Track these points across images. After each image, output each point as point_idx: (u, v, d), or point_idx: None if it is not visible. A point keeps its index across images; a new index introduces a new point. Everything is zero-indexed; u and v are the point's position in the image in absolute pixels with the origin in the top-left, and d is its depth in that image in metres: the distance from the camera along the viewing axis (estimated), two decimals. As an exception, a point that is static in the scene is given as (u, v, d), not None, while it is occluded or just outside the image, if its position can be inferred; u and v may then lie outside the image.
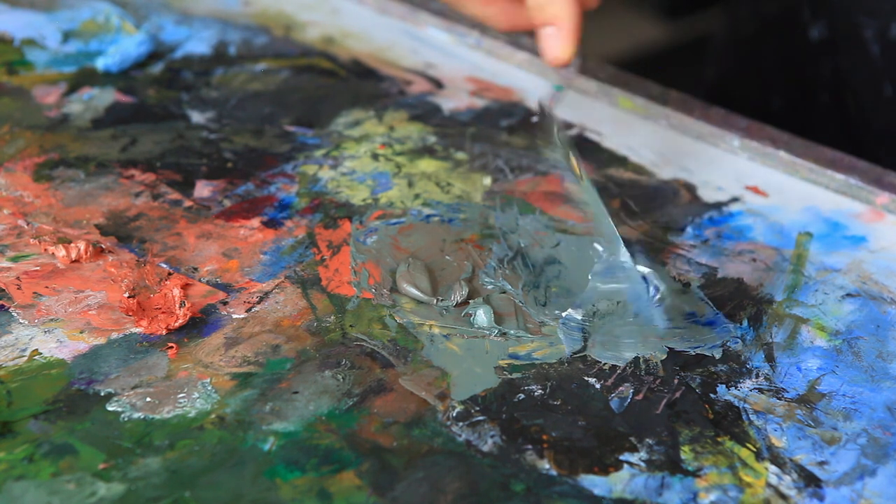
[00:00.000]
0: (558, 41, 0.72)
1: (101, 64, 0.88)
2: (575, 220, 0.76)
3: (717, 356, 0.68)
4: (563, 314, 0.70)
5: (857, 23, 0.93)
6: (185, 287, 0.70)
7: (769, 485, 0.61)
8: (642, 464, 0.62)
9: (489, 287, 0.72)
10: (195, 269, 0.72)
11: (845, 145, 0.84)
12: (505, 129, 0.85)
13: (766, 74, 1.04)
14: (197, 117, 0.84)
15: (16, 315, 0.68)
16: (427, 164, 0.81)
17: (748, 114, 0.85)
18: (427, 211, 0.77)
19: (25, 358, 0.65)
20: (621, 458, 0.62)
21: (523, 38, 0.93)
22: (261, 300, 0.70)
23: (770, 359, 0.68)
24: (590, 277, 0.71)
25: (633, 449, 0.62)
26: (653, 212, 0.78)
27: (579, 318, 0.69)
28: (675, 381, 0.66)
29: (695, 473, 0.61)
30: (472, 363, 0.67)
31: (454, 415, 0.64)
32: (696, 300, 0.71)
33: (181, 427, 0.62)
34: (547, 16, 0.72)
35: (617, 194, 0.79)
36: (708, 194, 0.80)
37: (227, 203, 0.77)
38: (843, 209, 0.79)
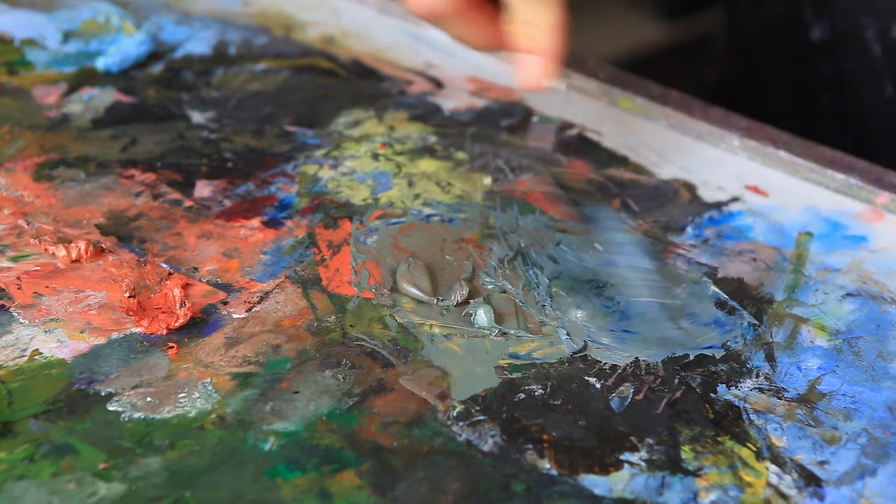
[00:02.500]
0: (538, 70, 0.71)
1: (101, 64, 0.88)
2: (575, 221, 0.76)
3: (718, 356, 0.68)
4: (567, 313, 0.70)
5: (859, 23, 0.93)
6: (185, 287, 0.70)
7: (769, 484, 0.61)
8: (643, 463, 0.62)
9: (489, 287, 0.72)
10: (195, 268, 0.72)
11: (846, 145, 0.84)
12: (505, 129, 0.85)
13: (767, 75, 1.04)
14: (197, 117, 0.84)
15: (16, 315, 0.68)
16: (427, 164, 0.81)
17: (749, 114, 0.85)
18: (427, 211, 0.77)
19: (26, 358, 0.65)
20: (621, 457, 0.62)
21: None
22: (261, 300, 0.70)
23: (770, 358, 0.68)
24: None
25: (634, 449, 0.63)
26: (653, 212, 0.78)
27: (581, 316, 0.69)
28: (676, 381, 0.66)
29: (695, 473, 0.61)
30: (473, 363, 0.67)
31: (454, 414, 0.64)
32: (700, 300, 0.71)
33: (181, 427, 0.62)
34: (533, 45, 0.71)
35: (617, 194, 0.79)
36: (708, 194, 0.80)
37: (228, 203, 0.77)
38: (843, 209, 0.79)
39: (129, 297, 0.69)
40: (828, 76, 0.98)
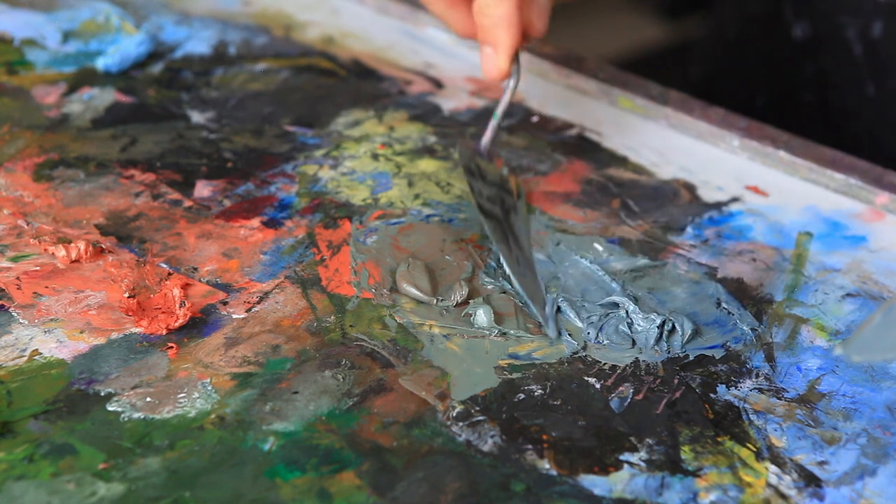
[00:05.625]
0: (495, 61, 0.77)
1: (101, 64, 0.88)
2: (575, 221, 0.77)
3: (717, 356, 0.68)
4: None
5: (839, 23, 0.94)
6: (185, 287, 0.70)
7: (769, 485, 0.61)
8: (642, 464, 0.62)
9: (489, 287, 0.72)
10: (195, 269, 0.72)
11: (828, 144, 0.84)
12: (505, 129, 0.85)
13: (749, 74, 1.05)
14: (197, 117, 0.84)
15: (16, 315, 0.68)
16: (427, 164, 0.81)
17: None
18: (427, 211, 0.77)
19: (25, 358, 0.65)
20: (621, 457, 0.62)
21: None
22: (261, 300, 0.70)
23: (770, 359, 0.68)
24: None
25: (633, 449, 0.62)
26: (653, 212, 0.78)
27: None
28: (675, 381, 0.66)
29: (695, 473, 0.61)
30: (472, 363, 0.67)
31: (454, 415, 0.64)
32: (702, 298, 0.71)
33: (181, 427, 0.62)
34: (489, 37, 0.77)
35: (617, 194, 0.79)
36: (708, 194, 0.80)
37: (227, 203, 0.77)
38: (843, 209, 0.79)
39: (128, 297, 0.69)
40: (809, 75, 0.98)
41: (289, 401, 0.64)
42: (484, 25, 0.77)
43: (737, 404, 0.65)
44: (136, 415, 0.63)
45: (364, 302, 0.70)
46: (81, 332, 0.67)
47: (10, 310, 0.68)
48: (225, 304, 0.70)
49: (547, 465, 0.61)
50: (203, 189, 0.78)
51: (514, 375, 0.66)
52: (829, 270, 0.74)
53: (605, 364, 0.67)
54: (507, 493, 0.60)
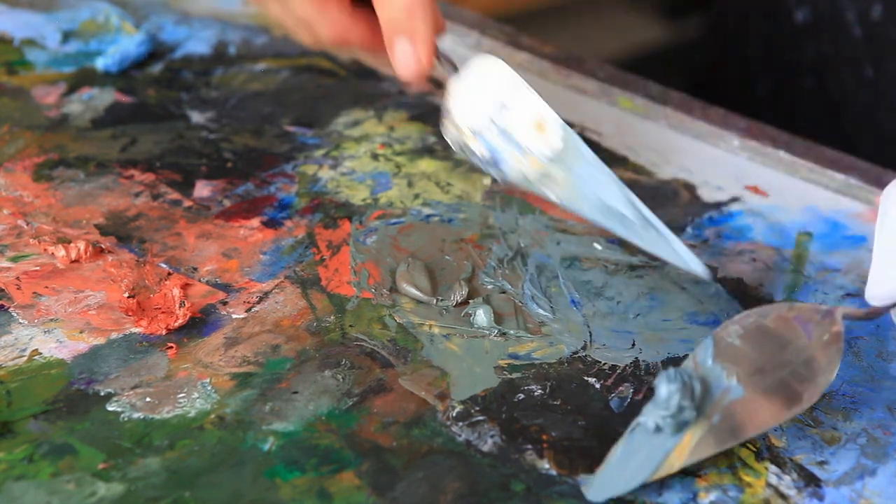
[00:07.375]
0: (412, 54, 0.70)
1: (100, 64, 0.88)
2: (575, 221, 0.77)
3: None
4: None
5: (840, 6, 0.94)
6: (184, 287, 0.70)
7: (769, 484, 0.61)
8: (642, 464, 0.62)
9: (489, 287, 0.72)
10: (195, 269, 0.72)
11: (828, 129, 0.85)
12: (505, 128, 0.84)
13: (751, 58, 1.05)
14: (197, 117, 0.84)
15: (15, 315, 0.68)
16: (427, 164, 0.81)
17: (734, 98, 0.86)
18: (427, 211, 0.77)
19: (25, 358, 0.65)
20: (621, 457, 0.62)
21: (523, 38, 0.93)
22: (260, 300, 0.70)
23: (770, 359, 0.68)
24: None
25: (633, 449, 0.62)
26: (653, 212, 0.78)
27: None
28: (675, 381, 0.66)
29: (695, 473, 0.61)
30: (472, 363, 0.67)
31: (454, 415, 0.64)
32: (696, 300, 0.71)
33: (181, 427, 0.62)
34: (402, 27, 0.70)
35: (617, 194, 0.79)
36: (708, 194, 0.80)
37: (227, 203, 0.77)
38: (843, 209, 0.79)
39: (128, 297, 0.69)
40: (810, 59, 0.99)
41: (288, 401, 0.64)
42: (396, 17, 0.69)
43: (737, 404, 0.65)
44: (135, 415, 0.63)
45: (364, 302, 0.70)
46: (81, 332, 0.67)
47: (9, 310, 0.68)
48: (225, 304, 0.70)
49: (547, 465, 0.61)
50: (203, 189, 0.78)
51: (514, 375, 0.66)
52: (829, 270, 0.74)
53: (604, 364, 0.67)
54: (507, 493, 0.60)
